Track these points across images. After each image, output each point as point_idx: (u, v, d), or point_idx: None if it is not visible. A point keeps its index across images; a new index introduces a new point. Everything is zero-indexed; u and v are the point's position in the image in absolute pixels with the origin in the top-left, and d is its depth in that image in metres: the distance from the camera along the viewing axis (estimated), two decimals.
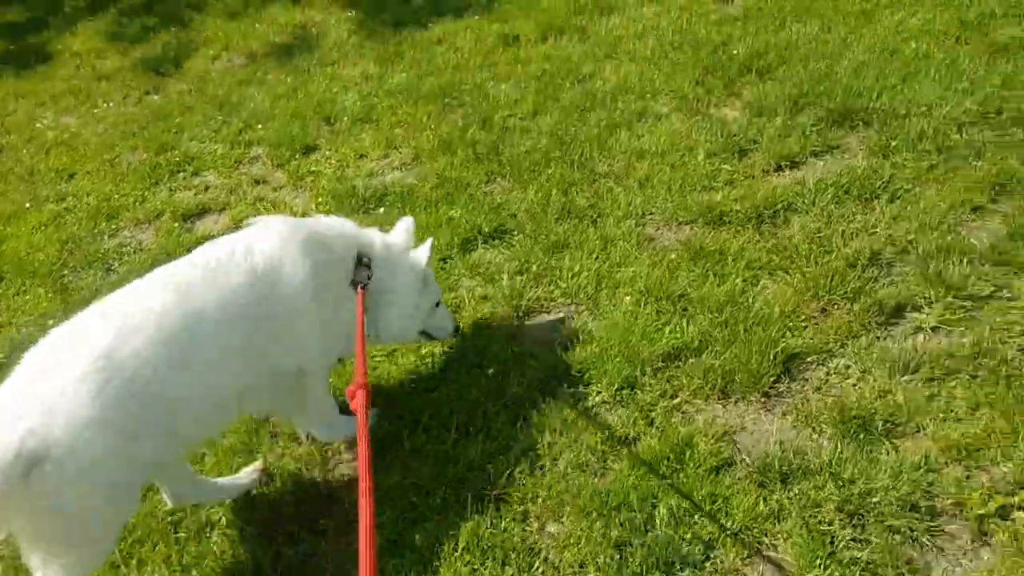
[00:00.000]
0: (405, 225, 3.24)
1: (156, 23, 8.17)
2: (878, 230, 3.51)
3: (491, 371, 3.18)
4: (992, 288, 3.10)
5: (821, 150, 4.13)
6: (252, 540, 2.76)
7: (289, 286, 2.65)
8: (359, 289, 2.87)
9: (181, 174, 5.34)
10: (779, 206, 3.76)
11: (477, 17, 6.57)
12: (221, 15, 7.96)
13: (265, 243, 2.68)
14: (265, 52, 6.97)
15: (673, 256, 3.61)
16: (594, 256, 3.71)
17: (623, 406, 2.97)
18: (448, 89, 5.52)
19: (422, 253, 3.15)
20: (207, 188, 5.11)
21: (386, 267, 3.02)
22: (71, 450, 2.18)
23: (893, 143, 3.98)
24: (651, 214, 3.96)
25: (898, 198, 3.68)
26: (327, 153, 5.16)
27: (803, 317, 3.17)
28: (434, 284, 3.27)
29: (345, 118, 5.47)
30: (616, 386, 3.03)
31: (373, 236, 3.07)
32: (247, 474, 3.01)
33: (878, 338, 3.04)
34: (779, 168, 4.08)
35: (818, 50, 4.97)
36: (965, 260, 3.23)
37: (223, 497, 2.93)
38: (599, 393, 3.03)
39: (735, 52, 5.11)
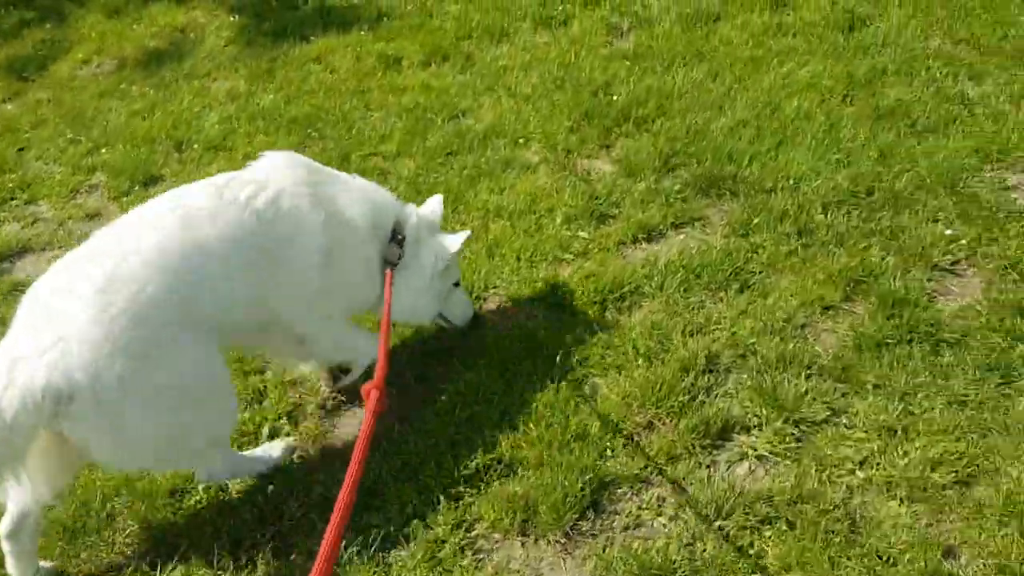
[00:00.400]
0: (436, 203, 3.22)
1: (34, 17, 7.51)
2: (721, 327, 3.17)
3: (271, 489, 2.77)
4: (828, 412, 2.78)
5: (683, 221, 3.78)
6: None
7: (302, 248, 2.66)
8: (388, 270, 2.85)
9: (14, 201, 4.83)
10: (626, 289, 3.40)
11: (362, 32, 6.08)
12: (102, 11, 7.33)
13: (294, 199, 2.65)
14: (137, 58, 6.41)
15: (506, 345, 3.24)
16: (421, 342, 3.32)
17: (410, 541, 2.58)
18: (314, 117, 5.06)
19: (454, 241, 3.08)
20: (35, 221, 4.60)
21: (415, 246, 2.99)
22: (96, 376, 2.21)
23: (755, 220, 3.65)
24: (494, 287, 3.58)
25: (749, 287, 3.34)
26: (169, 185, 4.65)
27: (626, 433, 2.82)
28: (455, 267, 3.19)
29: (197, 144, 4.98)
30: (408, 515, 2.65)
31: (411, 211, 3.04)
32: (277, 446, 2.91)
33: (700, 465, 2.70)
34: (636, 240, 3.72)
35: (700, 100, 4.61)
36: (804, 374, 2.91)
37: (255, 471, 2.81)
38: (387, 523, 2.63)
39: (616, 97, 4.73)
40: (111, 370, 2.23)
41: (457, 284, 3.21)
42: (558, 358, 3.11)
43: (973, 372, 2.81)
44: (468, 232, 3.17)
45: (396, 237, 2.92)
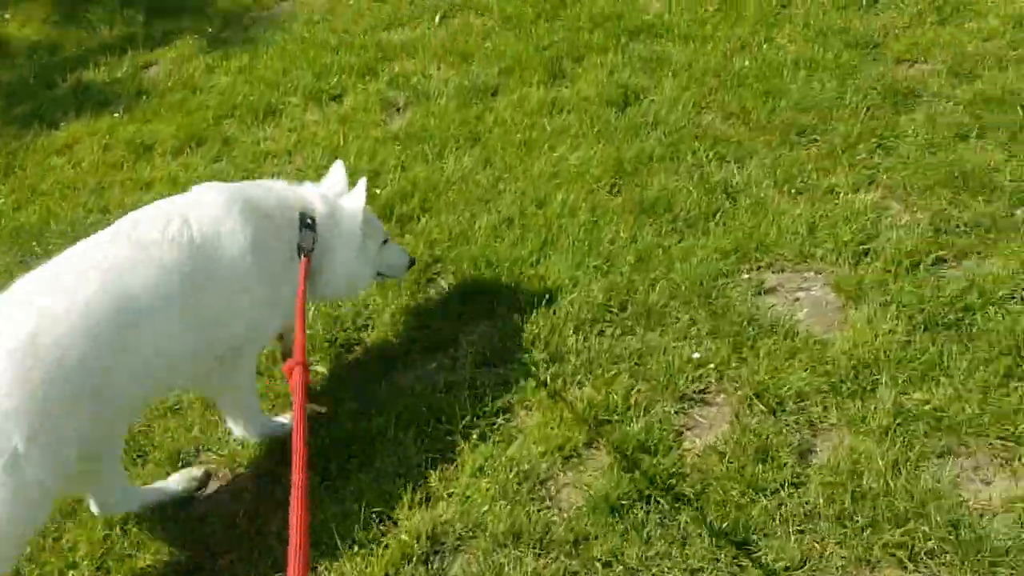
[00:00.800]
0: (337, 169, 3.24)
1: None
2: (455, 490, 2.80)
3: None
4: None
5: (433, 346, 3.40)
6: None
7: (229, 261, 2.61)
8: (303, 256, 2.80)
9: None
10: (354, 446, 2.99)
11: (117, 115, 5.46)
12: None
13: (203, 215, 2.62)
14: None
15: (201, 532, 2.76)
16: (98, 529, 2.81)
17: None
18: (42, 226, 4.43)
19: (357, 195, 3.11)
20: None
21: (330, 221, 2.99)
22: None
23: (507, 344, 3.32)
24: (208, 449, 3.10)
25: (494, 432, 2.99)
26: None
27: None
28: (376, 222, 3.27)
29: None
30: None
31: (312, 193, 3.04)
32: (180, 479, 2.92)
33: None
34: (377, 374, 3.31)
35: (468, 192, 4.27)
36: (535, 550, 2.56)
37: (155, 502, 2.83)
38: None
39: (380, 189, 4.32)
40: (7, 443, 2.16)
41: (386, 241, 3.30)
42: (258, 550, 2.67)
43: (710, 537, 2.54)
44: (363, 180, 3.16)
45: (305, 222, 2.89)
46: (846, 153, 4.07)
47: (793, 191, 3.93)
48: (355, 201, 3.10)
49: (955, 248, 3.43)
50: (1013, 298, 3.17)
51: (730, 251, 3.63)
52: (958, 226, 3.53)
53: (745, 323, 3.26)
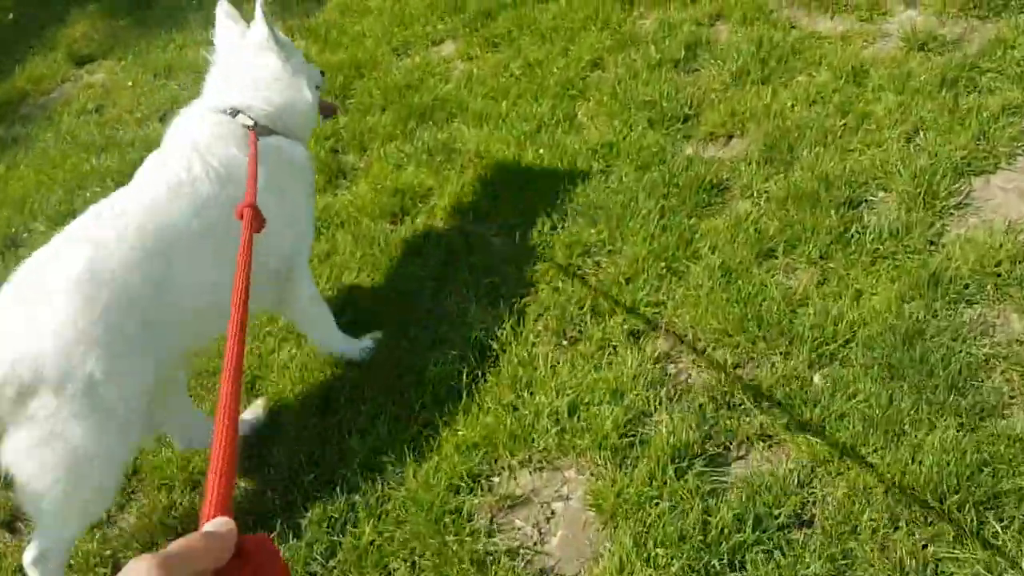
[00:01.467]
0: (224, 13, 2.94)
1: None
2: None
3: None
4: None
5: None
6: None
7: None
8: (252, 133, 2.63)
9: None
10: None
11: None
12: None
13: (218, 148, 2.60)
14: None
15: None
16: None
17: None
18: None
19: (259, 27, 2.83)
20: None
21: (251, 88, 2.80)
22: (65, 371, 2.09)
23: None
24: None
25: None
26: None
27: None
28: (284, 38, 2.95)
29: None
30: None
31: (213, 85, 2.89)
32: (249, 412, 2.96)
33: None
34: None
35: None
36: None
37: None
38: None
39: None
40: (82, 370, 2.13)
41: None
42: None
43: None
44: (258, 4, 2.82)
45: (237, 116, 2.70)
46: (631, 284, 3.23)
47: (566, 341, 3.11)
48: (258, 30, 2.83)
49: (738, 436, 2.65)
50: (800, 520, 2.41)
51: (480, 444, 2.81)
52: (742, 403, 2.73)
53: (471, 564, 2.46)
